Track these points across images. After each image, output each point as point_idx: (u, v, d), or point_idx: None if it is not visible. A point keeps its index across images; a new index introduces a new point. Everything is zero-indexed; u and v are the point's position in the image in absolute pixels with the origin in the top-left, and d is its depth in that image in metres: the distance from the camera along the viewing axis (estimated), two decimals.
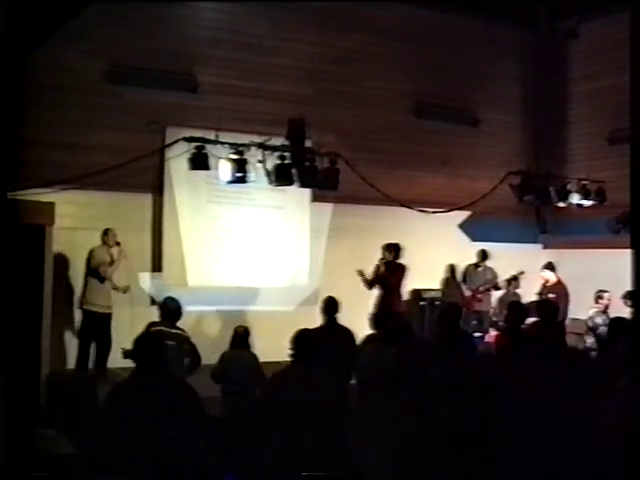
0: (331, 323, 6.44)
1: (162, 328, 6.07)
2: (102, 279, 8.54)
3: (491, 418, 4.44)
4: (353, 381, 6.26)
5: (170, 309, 6.32)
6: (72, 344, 8.93)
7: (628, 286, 7.03)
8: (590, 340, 8.64)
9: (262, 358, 6.66)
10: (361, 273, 9.09)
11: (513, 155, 12.11)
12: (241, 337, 6.63)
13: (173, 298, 6.47)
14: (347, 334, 6.42)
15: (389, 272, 9.22)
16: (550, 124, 12.66)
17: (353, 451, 3.73)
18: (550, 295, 9.50)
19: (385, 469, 3.55)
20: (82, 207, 9.01)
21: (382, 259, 9.28)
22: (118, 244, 8.69)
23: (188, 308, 7.03)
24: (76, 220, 8.82)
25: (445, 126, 11.64)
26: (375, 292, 9.24)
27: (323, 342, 5.95)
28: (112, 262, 8.62)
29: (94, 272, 8.57)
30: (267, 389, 4.55)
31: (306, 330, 4.72)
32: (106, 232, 8.68)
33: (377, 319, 6.59)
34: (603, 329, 8.95)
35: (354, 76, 10.81)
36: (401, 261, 9.33)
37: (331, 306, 6.48)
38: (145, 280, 9.63)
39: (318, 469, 4.01)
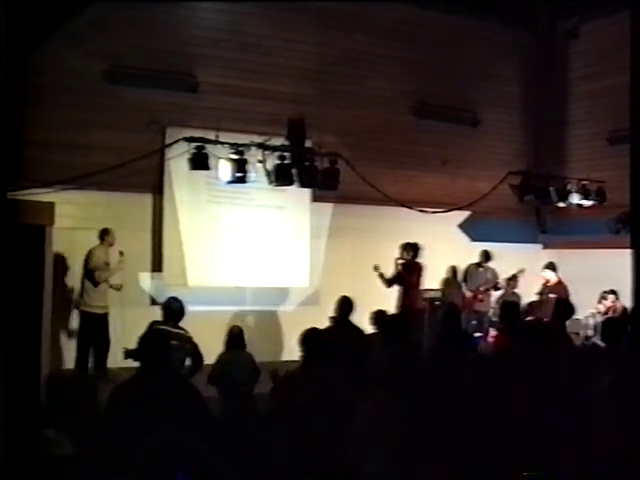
0: (343, 322, 6.46)
1: (165, 327, 6.05)
2: (96, 282, 8.51)
3: (491, 417, 4.44)
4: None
5: (173, 309, 6.30)
6: (71, 344, 8.92)
7: (628, 286, 7.07)
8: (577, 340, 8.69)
9: (263, 358, 6.66)
10: (376, 268, 9.20)
11: (513, 155, 12.13)
12: (236, 337, 6.62)
13: (176, 298, 6.44)
14: (359, 334, 6.42)
15: (407, 271, 9.38)
16: (550, 124, 12.66)
17: (353, 451, 3.72)
18: (550, 295, 9.51)
19: (385, 469, 3.55)
20: (82, 207, 9.01)
21: (400, 258, 9.43)
22: (118, 250, 8.66)
23: (188, 308, 7.03)
24: (76, 220, 8.82)
25: (445, 126, 11.63)
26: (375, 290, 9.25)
27: (333, 341, 5.95)
28: (108, 264, 8.58)
29: (90, 274, 8.53)
30: (278, 389, 4.53)
31: (314, 329, 4.69)
32: (107, 231, 8.65)
33: (396, 318, 6.65)
34: (591, 332, 9.00)
35: (354, 76, 10.80)
36: (419, 260, 9.56)
37: (345, 306, 6.50)
38: (145, 280, 9.64)
39: (325, 468, 4.00)
